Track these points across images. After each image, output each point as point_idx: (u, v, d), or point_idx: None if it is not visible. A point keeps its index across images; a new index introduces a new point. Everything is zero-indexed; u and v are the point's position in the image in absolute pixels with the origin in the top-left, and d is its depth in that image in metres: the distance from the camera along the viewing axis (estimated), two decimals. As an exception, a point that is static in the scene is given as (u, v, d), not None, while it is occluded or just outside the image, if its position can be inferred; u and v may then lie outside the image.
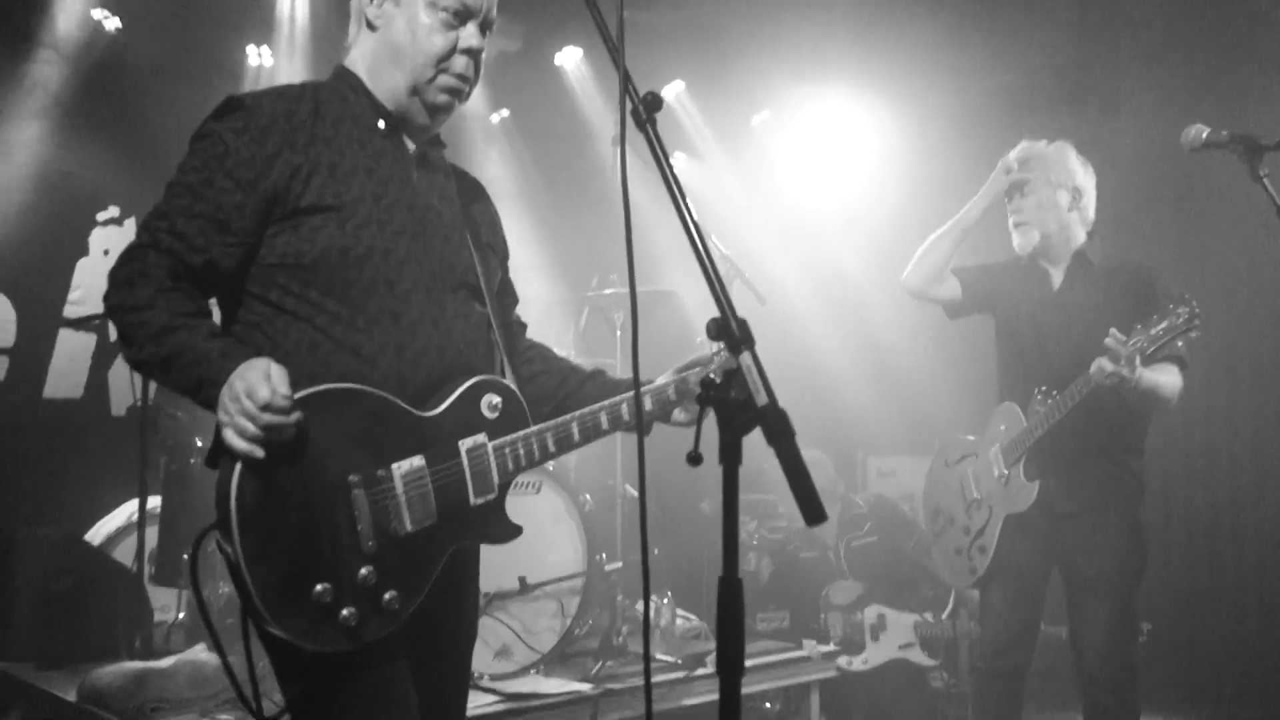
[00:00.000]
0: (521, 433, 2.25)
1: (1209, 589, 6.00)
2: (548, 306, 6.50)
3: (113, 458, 5.75)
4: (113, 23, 5.98)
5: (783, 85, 6.72)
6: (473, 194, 2.49)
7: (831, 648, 5.27)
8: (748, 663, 4.80)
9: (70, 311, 6.21)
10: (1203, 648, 5.90)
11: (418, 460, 2.12)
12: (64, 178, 6.08)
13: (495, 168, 6.66)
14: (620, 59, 1.85)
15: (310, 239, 2.11)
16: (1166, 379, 3.57)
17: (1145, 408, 3.68)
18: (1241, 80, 5.50)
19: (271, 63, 6.04)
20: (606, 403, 2.31)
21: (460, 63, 2.26)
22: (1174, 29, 5.66)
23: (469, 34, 2.26)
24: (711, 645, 4.89)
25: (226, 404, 1.94)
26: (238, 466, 1.95)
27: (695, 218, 1.75)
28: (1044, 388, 3.72)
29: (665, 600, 5.19)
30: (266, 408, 1.90)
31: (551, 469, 4.73)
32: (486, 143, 6.70)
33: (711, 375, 1.66)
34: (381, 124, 2.26)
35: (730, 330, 1.65)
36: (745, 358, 1.63)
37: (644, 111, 1.83)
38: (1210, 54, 5.63)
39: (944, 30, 5.83)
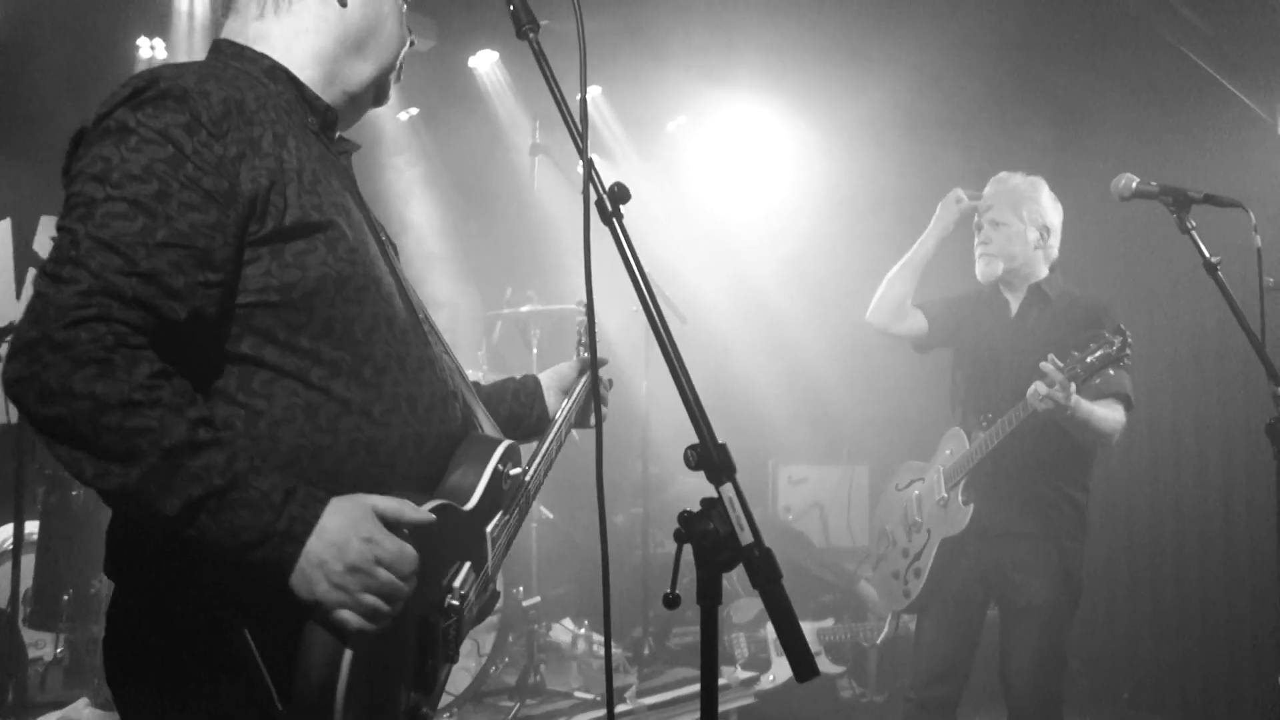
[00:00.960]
0: (520, 503, 1.97)
1: (1107, 595, 6.11)
2: (454, 315, 6.28)
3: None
4: (-11, 10, 5.53)
5: (698, 89, 6.60)
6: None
7: (750, 674, 5.21)
8: (667, 695, 4.75)
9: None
10: (1102, 651, 6.01)
11: (471, 573, 1.79)
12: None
13: (402, 168, 6.40)
14: (584, 147, 1.68)
15: (299, 266, 1.60)
16: (1106, 412, 3.59)
17: (1086, 440, 3.68)
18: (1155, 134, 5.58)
19: (164, 55, 5.66)
20: (548, 444, 2.16)
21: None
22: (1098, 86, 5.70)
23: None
24: (631, 678, 4.79)
25: (339, 577, 1.49)
26: (348, 655, 1.51)
27: (668, 329, 1.59)
28: (989, 415, 3.72)
29: (582, 630, 5.06)
30: (408, 576, 1.54)
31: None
32: (393, 141, 6.43)
33: (688, 509, 1.52)
34: (312, 120, 1.78)
35: (711, 460, 1.51)
36: (727, 489, 1.50)
37: (609, 204, 1.67)
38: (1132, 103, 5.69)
39: (858, 39, 5.77)
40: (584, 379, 2.32)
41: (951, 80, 5.75)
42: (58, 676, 4.58)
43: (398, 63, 1.93)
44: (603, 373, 2.39)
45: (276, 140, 1.63)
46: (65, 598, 4.34)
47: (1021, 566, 3.70)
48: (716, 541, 1.49)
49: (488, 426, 1.99)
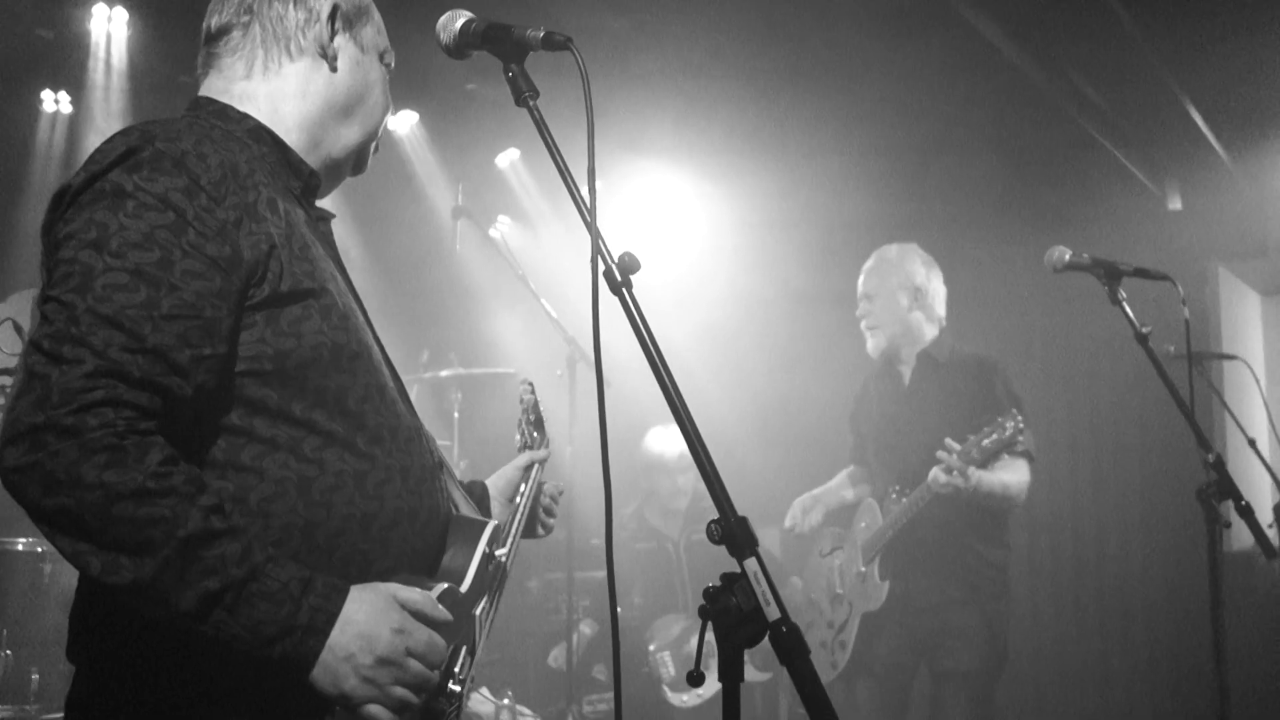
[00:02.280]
0: (499, 586, 1.93)
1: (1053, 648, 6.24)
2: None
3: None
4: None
5: (614, 155, 6.65)
6: None
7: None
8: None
9: None
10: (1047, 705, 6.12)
11: (467, 658, 1.74)
12: None
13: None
14: (593, 224, 1.66)
15: (295, 334, 1.55)
16: (1012, 477, 3.68)
17: (993, 507, 3.75)
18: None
19: (70, 110, 5.45)
20: (511, 538, 2.11)
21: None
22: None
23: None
24: (556, 748, 4.68)
25: (369, 670, 1.44)
26: None
27: (685, 405, 1.57)
28: (898, 487, 3.78)
29: (505, 701, 4.93)
30: (437, 666, 1.52)
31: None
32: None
33: (711, 585, 1.50)
34: (295, 184, 1.74)
35: (733, 534, 1.50)
36: (751, 563, 1.49)
37: (618, 274, 1.66)
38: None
39: (772, 108, 5.91)
40: (529, 484, 2.27)
41: (861, 146, 5.91)
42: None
43: (379, 131, 1.89)
44: (554, 483, 2.39)
45: (269, 205, 1.59)
46: (35, 678, 4.08)
47: (950, 632, 3.75)
48: (739, 618, 1.47)
49: (464, 504, 1.96)
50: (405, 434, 1.70)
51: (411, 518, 1.66)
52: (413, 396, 5.50)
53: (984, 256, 5.94)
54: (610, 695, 5.95)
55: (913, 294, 3.94)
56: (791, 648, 1.44)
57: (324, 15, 1.78)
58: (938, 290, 4.02)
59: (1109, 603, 6.10)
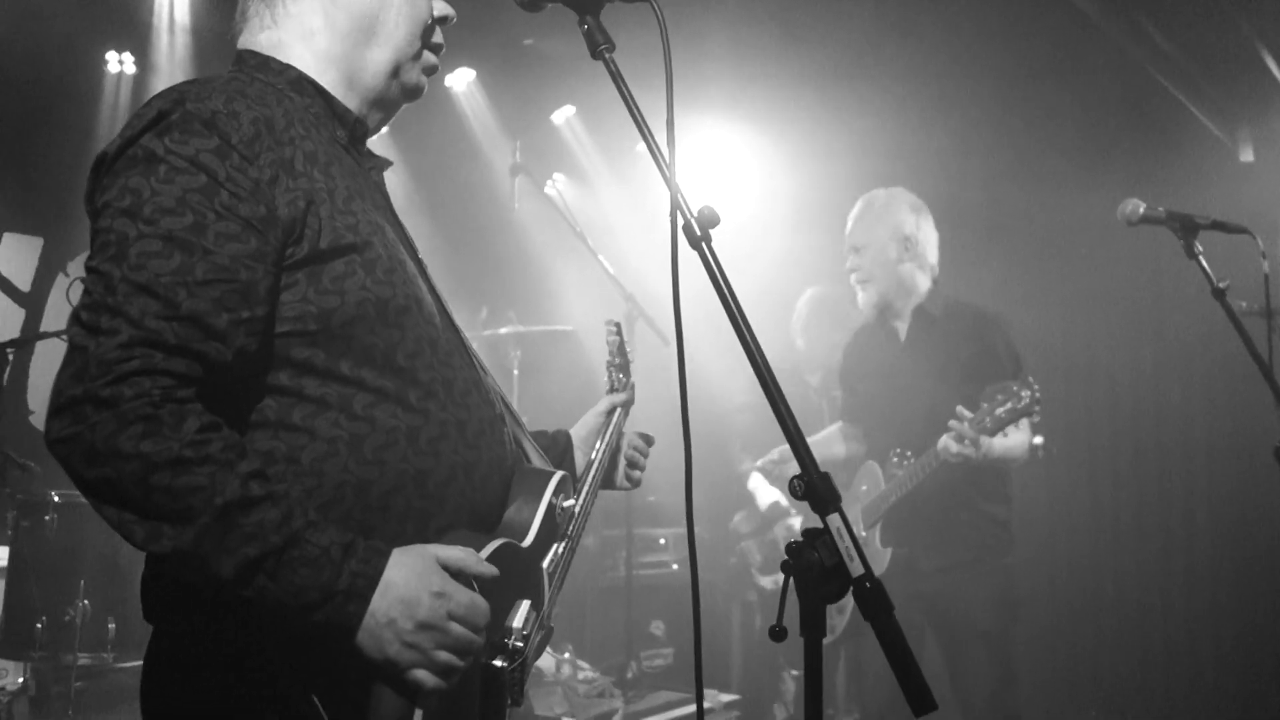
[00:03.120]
0: (573, 536, 1.90)
1: (1068, 613, 6.18)
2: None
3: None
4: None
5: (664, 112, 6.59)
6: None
7: (734, 696, 5.18)
8: (655, 719, 4.69)
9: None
10: (1063, 672, 6.08)
11: (531, 612, 1.70)
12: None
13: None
14: (672, 178, 1.65)
15: (338, 292, 1.53)
16: (1016, 439, 3.57)
17: (998, 469, 3.68)
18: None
19: (134, 70, 5.50)
20: (593, 475, 2.08)
21: (439, 34, 1.83)
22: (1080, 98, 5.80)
23: (444, 4, 1.83)
24: (617, 703, 4.73)
25: (411, 635, 1.43)
26: (419, 715, 1.44)
27: (765, 360, 1.56)
28: (899, 449, 3.70)
29: (566, 655, 4.99)
30: (481, 629, 1.49)
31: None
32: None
33: (794, 540, 1.49)
34: (341, 133, 1.71)
35: (816, 490, 1.48)
36: (834, 519, 1.47)
37: (698, 229, 1.64)
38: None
39: (829, 67, 5.82)
40: (609, 431, 2.21)
41: (927, 102, 5.81)
42: (24, 707, 4.40)
43: (420, 43, 1.79)
44: (638, 433, 2.33)
45: (308, 159, 1.56)
46: (39, 626, 4.19)
47: (962, 596, 3.65)
48: (822, 573, 1.47)
49: (534, 455, 1.94)
50: (462, 387, 1.67)
51: (469, 472, 1.64)
52: (472, 354, 5.65)
53: (1055, 210, 5.83)
54: (668, 650, 6.02)
55: (902, 243, 3.78)
56: (876, 604, 1.43)
57: None
58: (928, 237, 3.85)
59: (1145, 564, 6.01)
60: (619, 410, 2.25)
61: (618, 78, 1.76)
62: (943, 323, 3.76)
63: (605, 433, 2.20)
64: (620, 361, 2.35)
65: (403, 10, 1.75)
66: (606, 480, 2.21)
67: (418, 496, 1.58)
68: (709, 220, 1.65)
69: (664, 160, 1.66)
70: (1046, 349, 5.87)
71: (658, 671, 5.71)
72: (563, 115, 6.23)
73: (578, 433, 2.20)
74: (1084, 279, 6.10)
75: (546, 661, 4.98)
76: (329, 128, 1.68)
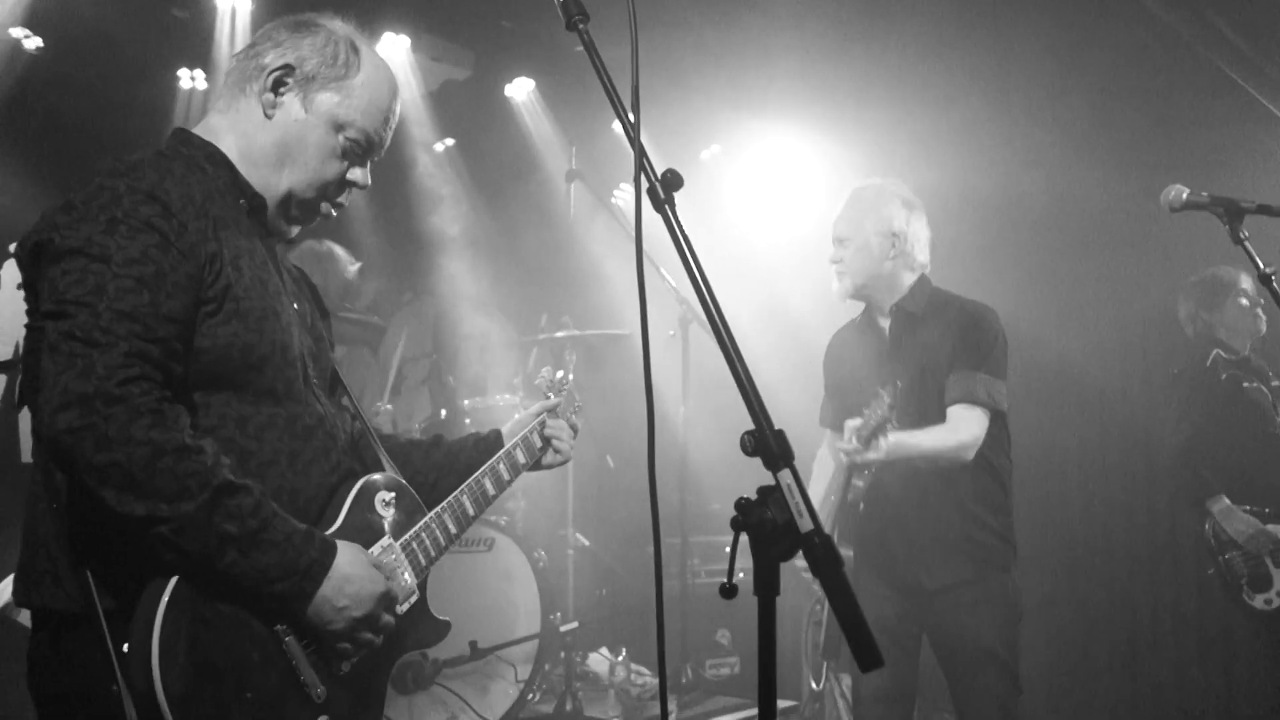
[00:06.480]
0: (422, 522, 2.15)
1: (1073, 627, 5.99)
2: (489, 344, 6.27)
3: (21, 509, 5.33)
4: (33, 42, 5.60)
5: (732, 119, 6.60)
6: (304, 282, 2.27)
7: (790, 703, 5.10)
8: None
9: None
10: (1069, 685, 5.88)
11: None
12: (-24, 205, 5.70)
13: (439, 197, 6.43)
14: (636, 136, 1.67)
15: (212, 335, 1.84)
16: (943, 431, 3.40)
17: (942, 467, 3.44)
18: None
19: (205, 86, 5.72)
20: (485, 468, 2.37)
21: (341, 195, 2.12)
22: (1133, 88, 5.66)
23: (361, 175, 2.10)
24: (671, 707, 4.71)
25: (353, 623, 1.87)
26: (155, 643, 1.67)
27: (722, 313, 1.56)
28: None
29: (620, 657, 4.98)
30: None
31: (504, 523, 4.51)
32: (429, 171, 6.46)
33: (744, 497, 1.48)
34: (244, 202, 2.01)
35: (768, 446, 1.47)
36: (785, 475, 1.46)
37: (661, 191, 1.65)
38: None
39: (892, 70, 5.76)
40: (536, 414, 2.57)
41: (988, 93, 5.71)
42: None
43: (319, 194, 2.06)
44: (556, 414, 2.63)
45: (216, 225, 1.87)
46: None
47: (967, 610, 3.49)
48: (774, 530, 1.46)
49: (389, 468, 2.19)
50: (306, 421, 1.97)
51: (293, 496, 1.91)
52: (531, 358, 5.72)
53: (1117, 198, 5.69)
54: (733, 659, 5.97)
55: (889, 240, 3.59)
56: (823, 559, 1.41)
57: (271, 67, 2.01)
58: (919, 234, 3.67)
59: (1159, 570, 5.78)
60: (546, 414, 2.58)
61: (591, 49, 1.81)
62: (922, 320, 3.61)
63: (525, 429, 2.53)
64: (561, 390, 2.71)
65: (310, 166, 2.04)
66: (535, 464, 2.55)
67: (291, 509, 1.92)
68: (672, 183, 1.66)
69: (630, 125, 1.68)
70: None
71: (721, 680, 5.67)
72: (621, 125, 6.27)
73: (509, 429, 2.54)
74: (1150, 264, 5.92)
75: (600, 664, 4.98)
76: (233, 195, 1.99)
